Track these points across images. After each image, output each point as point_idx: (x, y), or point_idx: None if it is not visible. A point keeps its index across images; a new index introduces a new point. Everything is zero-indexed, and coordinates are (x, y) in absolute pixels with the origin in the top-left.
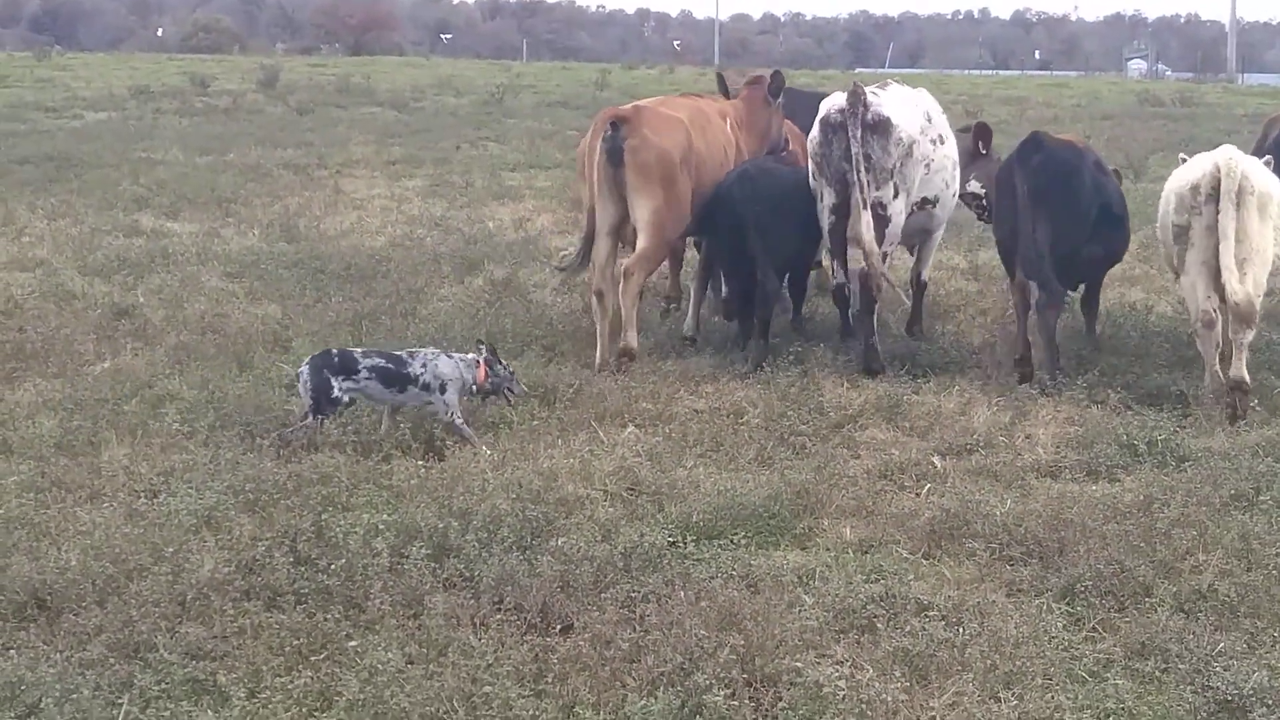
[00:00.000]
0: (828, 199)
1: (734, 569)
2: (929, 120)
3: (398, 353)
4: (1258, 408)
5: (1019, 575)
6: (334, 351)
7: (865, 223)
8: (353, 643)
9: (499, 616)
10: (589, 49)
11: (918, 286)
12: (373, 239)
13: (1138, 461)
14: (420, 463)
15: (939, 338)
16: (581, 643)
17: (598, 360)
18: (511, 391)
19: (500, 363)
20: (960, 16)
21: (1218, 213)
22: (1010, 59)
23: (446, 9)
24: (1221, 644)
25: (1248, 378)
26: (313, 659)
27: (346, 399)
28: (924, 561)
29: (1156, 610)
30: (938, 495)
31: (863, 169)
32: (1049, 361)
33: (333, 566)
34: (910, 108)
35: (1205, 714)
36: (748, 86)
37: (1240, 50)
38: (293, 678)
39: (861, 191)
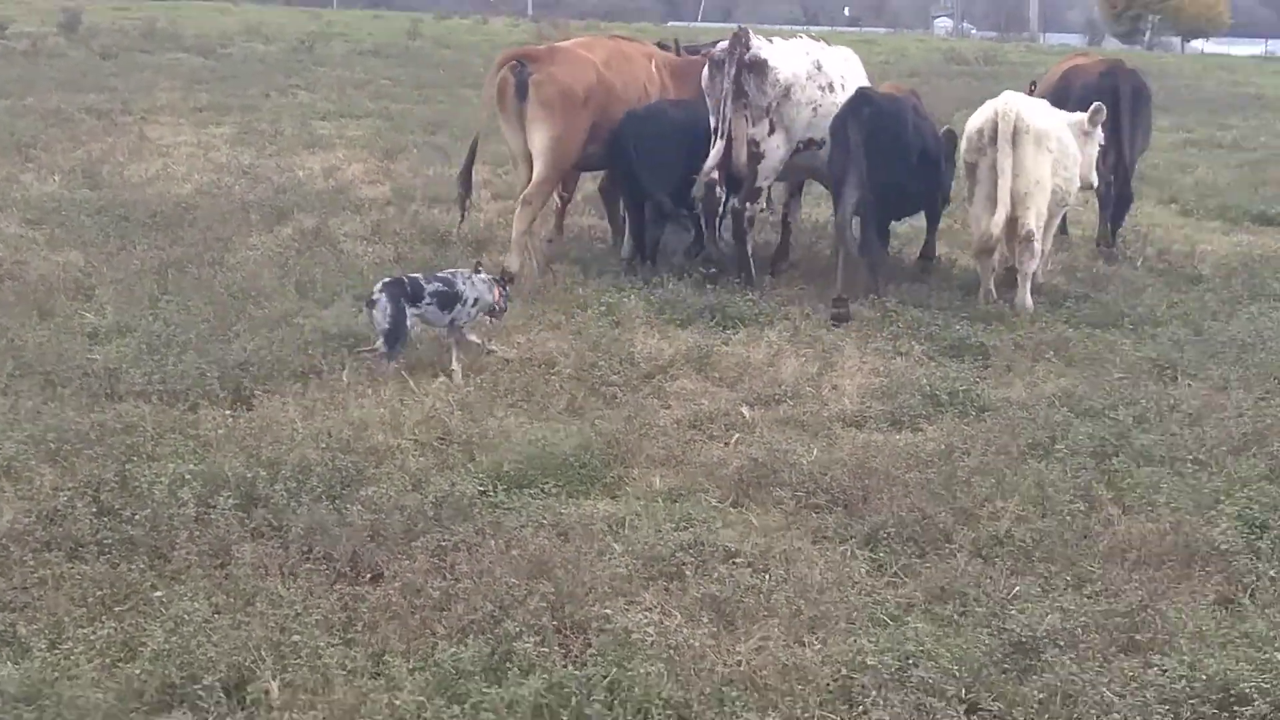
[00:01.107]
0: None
1: (544, 518)
2: (817, 68)
3: (447, 274)
4: (1053, 359)
5: (824, 523)
6: (405, 279)
7: (716, 150)
8: (158, 593)
9: (308, 566)
10: None
11: (785, 226)
12: (179, 186)
13: (939, 411)
14: (228, 412)
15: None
16: (391, 591)
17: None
18: (503, 312)
19: (503, 286)
20: None
21: (998, 153)
22: (820, 15)
23: None
24: (1017, 588)
25: (1030, 305)
26: (116, 609)
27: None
28: (732, 510)
29: (955, 555)
30: (746, 445)
31: (728, 104)
32: (869, 285)
33: (137, 517)
34: (795, 54)
35: (1001, 655)
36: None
37: (1042, 10)
38: (95, 629)
39: (723, 123)
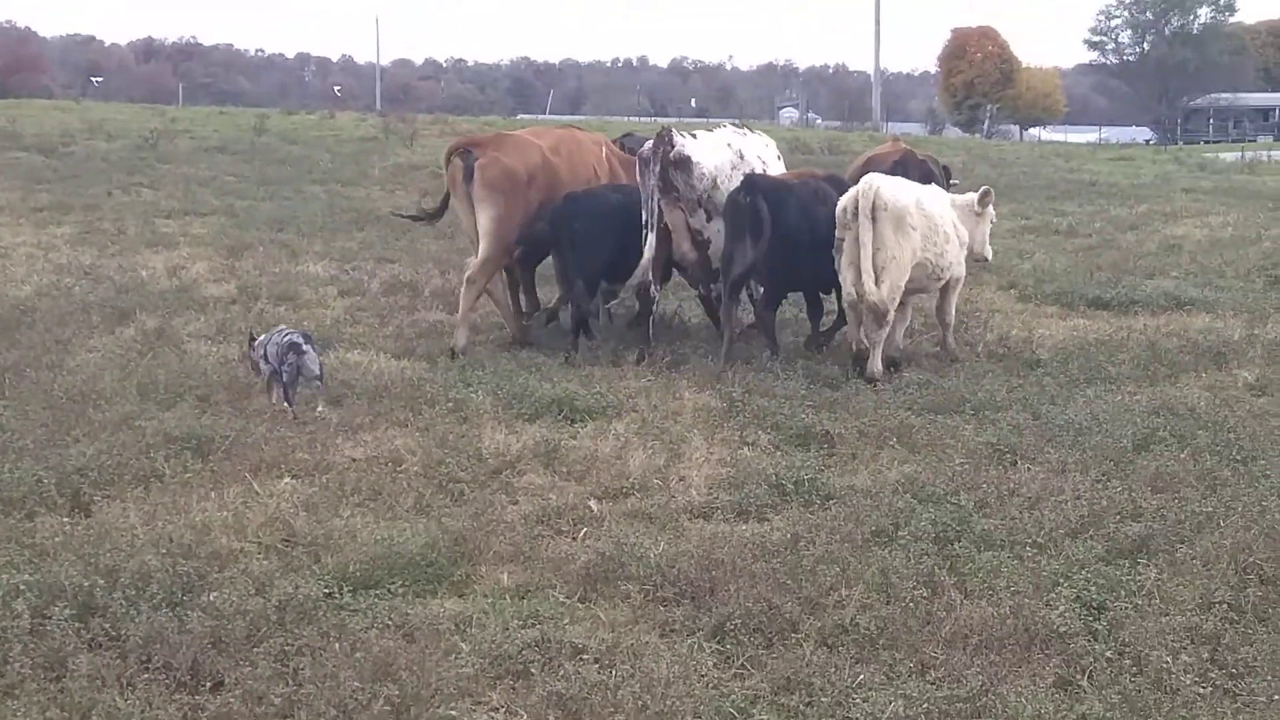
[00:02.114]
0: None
1: (390, 619)
2: (740, 157)
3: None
4: (897, 445)
5: (672, 615)
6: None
7: (649, 243)
8: None
9: (147, 676)
10: (248, 94)
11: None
12: (17, 288)
13: (786, 500)
14: (65, 519)
15: (597, 382)
16: (232, 699)
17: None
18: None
19: None
20: (620, 64)
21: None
22: (669, 106)
23: (98, 51)
24: (861, 676)
25: (879, 372)
26: None
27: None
28: (580, 605)
29: (802, 645)
30: (594, 539)
31: (655, 199)
32: (769, 348)
33: None
34: (717, 146)
35: None
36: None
37: (885, 100)
38: None
39: (651, 216)
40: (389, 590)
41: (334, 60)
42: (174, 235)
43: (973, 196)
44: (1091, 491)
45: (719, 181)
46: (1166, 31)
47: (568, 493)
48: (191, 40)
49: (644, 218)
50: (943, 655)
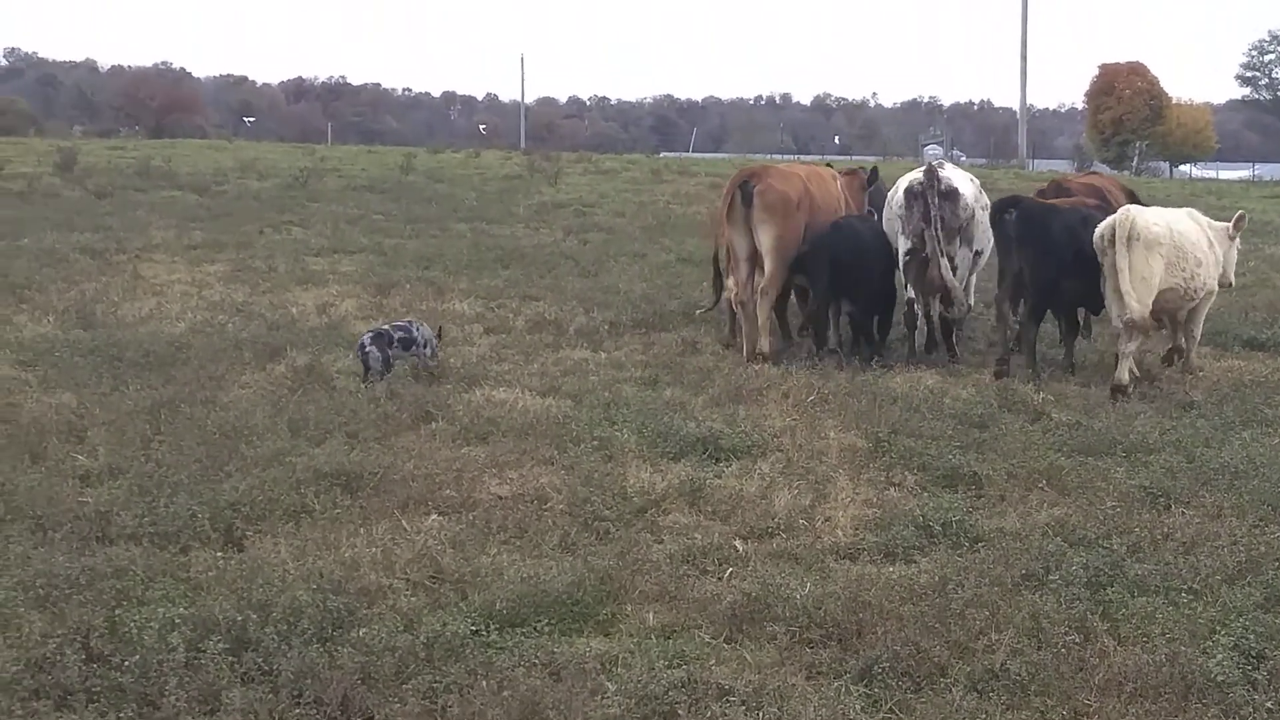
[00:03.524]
0: (903, 247)
1: (536, 657)
2: (980, 190)
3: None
4: (1046, 488)
5: (818, 658)
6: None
7: (944, 266)
8: None
9: (298, 710)
10: (395, 132)
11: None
12: (172, 325)
13: (933, 543)
14: (219, 554)
15: (741, 420)
16: None
17: (746, 355)
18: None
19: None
20: (763, 102)
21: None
22: (811, 143)
23: (250, 92)
24: None
25: (1125, 381)
26: None
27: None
28: (725, 646)
29: (951, 690)
30: (739, 579)
31: (937, 227)
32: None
33: (126, 663)
34: (966, 179)
35: None
36: (847, 173)
37: (1031, 137)
38: None
39: (939, 244)
40: (535, 628)
41: (479, 99)
42: (323, 273)
43: (1226, 224)
44: (1249, 536)
45: (975, 212)
46: None
47: (713, 532)
48: (340, 80)
49: (929, 246)
50: (1096, 703)
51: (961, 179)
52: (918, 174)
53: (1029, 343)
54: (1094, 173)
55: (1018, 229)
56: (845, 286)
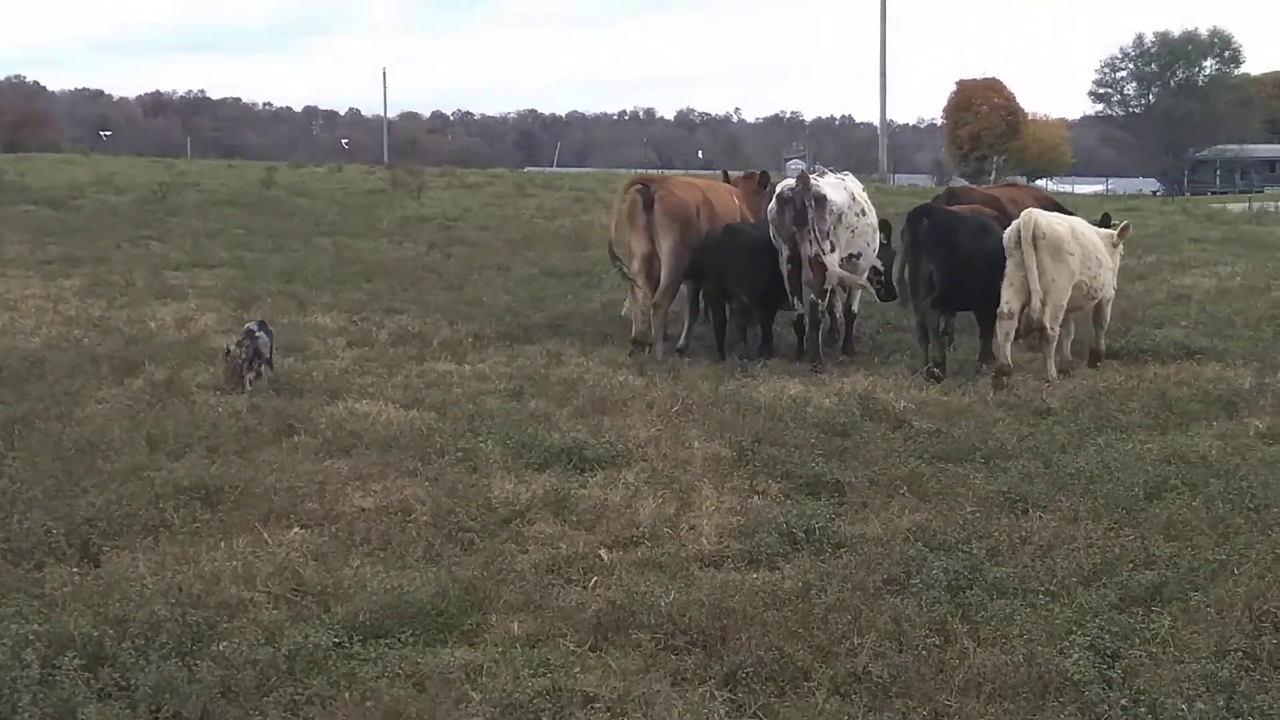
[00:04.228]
0: (784, 252)
1: (400, 668)
2: (853, 198)
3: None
4: (907, 494)
5: (683, 664)
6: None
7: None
8: None
9: None
10: (256, 147)
11: (848, 317)
12: (26, 340)
13: (796, 549)
14: (74, 569)
15: (606, 431)
16: None
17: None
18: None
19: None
20: (626, 117)
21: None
22: (675, 158)
23: (106, 105)
24: None
25: (1054, 375)
26: None
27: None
28: (590, 654)
29: (815, 694)
30: (604, 588)
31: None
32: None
33: None
34: (837, 187)
35: None
36: (743, 178)
37: (891, 152)
38: None
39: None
40: (399, 639)
41: (342, 113)
42: (183, 287)
43: (1112, 231)
44: (1104, 539)
45: (842, 217)
46: (1172, 83)
47: (578, 541)
48: (200, 94)
49: (781, 251)
50: (956, 704)
51: (832, 188)
52: (790, 181)
53: (934, 329)
54: (1011, 183)
55: (928, 235)
56: (732, 287)
